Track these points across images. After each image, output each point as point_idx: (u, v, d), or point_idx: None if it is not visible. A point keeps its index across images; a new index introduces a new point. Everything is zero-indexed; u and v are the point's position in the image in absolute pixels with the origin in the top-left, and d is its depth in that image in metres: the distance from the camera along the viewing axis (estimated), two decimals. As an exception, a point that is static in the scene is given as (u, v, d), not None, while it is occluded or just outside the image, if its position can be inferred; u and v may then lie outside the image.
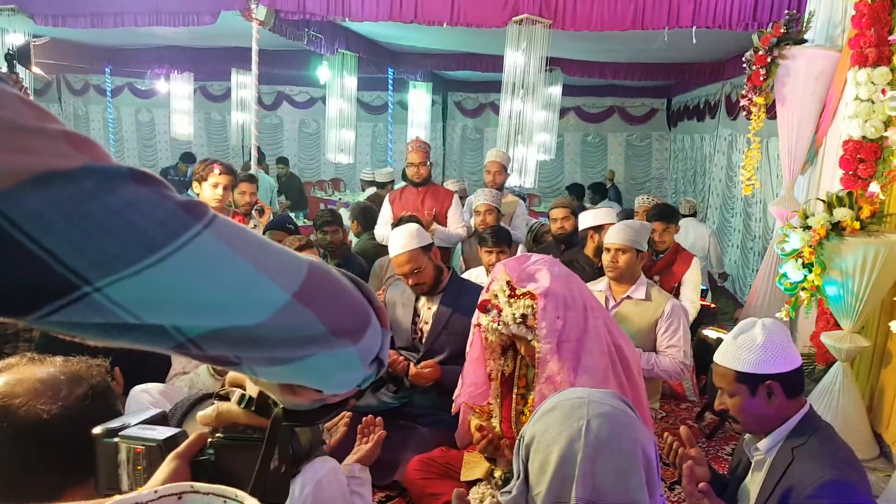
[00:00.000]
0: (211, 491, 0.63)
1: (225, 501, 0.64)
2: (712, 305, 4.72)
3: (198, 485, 0.65)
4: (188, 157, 9.76)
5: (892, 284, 2.70)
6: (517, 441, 1.17)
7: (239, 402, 0.78)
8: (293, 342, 0.51)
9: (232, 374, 2.37)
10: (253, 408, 0.77)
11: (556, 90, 9.34)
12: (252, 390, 0.79)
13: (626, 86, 11.00)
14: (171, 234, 0.43)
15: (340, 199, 10.14)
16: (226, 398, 1.59)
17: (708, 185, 8.98)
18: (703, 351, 3.67)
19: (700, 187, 9.65)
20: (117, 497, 0.64)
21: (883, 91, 2.56)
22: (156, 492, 0.64)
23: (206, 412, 0.79)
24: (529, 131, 6.00)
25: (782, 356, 1.76)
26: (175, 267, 0.43)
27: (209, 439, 0.80)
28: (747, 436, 1.90)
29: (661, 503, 1.10)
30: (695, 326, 4.26)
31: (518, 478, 1.14)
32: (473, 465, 2.59)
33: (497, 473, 2.49)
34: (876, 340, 3.37)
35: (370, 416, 1.97)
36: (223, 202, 3.85)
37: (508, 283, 2.28)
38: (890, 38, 2.57)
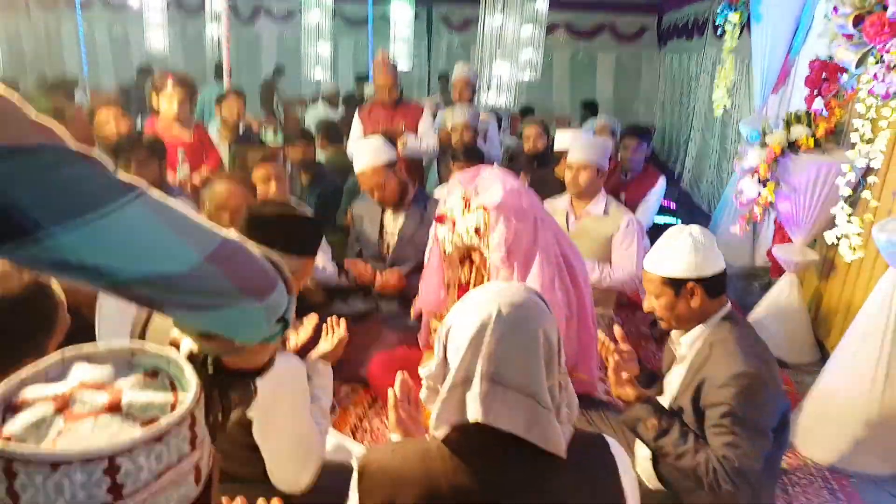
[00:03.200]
0: (158, 352, 0.78)
1: (168, 362, 0.78)
2: (678, 221, 4.85)
3: (148, 345, 0.78)
4: (147, 70, 9.47)
5: (838, 201, 2.82)
6: (440, 328, 1.31)
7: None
8: (204, 294, 0.66)
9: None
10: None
11: (543, 4, 9.09)
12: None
13: (615, 1, 10.70)
14: (111, 199, 0.58)
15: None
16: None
17: (693, 106, 8.94)
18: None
19: (684, 108, 9.61)
20: (71, 348, 0.77)
21: (835, 9, 2.59)
22: (109, 349, 0.78)
23: None
24: (512, 47, 5.91)
25: (704, 262, 1.88)
26: (112, 222, 0.58)
27: None
28: (673, 332, 2.05)
29: (561, 381, 1.24)
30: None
31: (438, 359, 1.28)
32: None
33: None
34: (825, 254, 3.53)
35: (333, 316, 2.10)
36: (181, 116, 3.79)
37: (463, 197, 2.39)
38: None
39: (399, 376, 1.59)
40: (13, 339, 1.24)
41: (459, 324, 1.22)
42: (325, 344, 2.02)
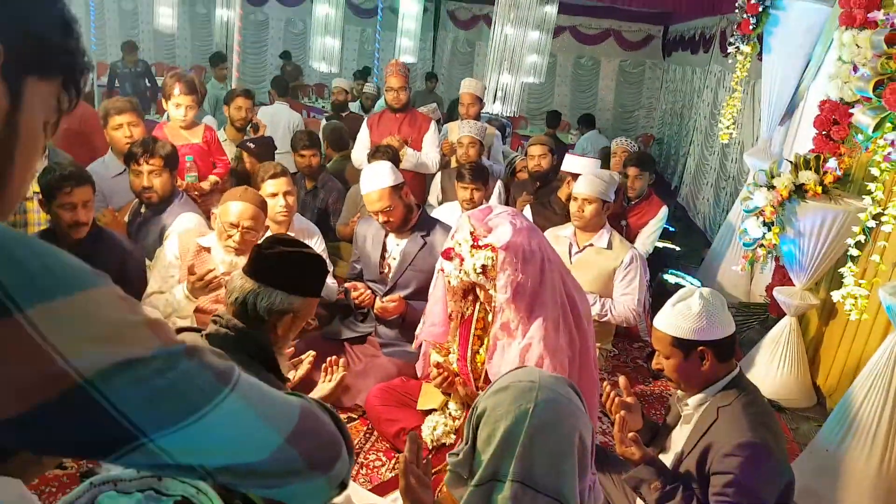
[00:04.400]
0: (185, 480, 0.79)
1: (198, 490, 0.79)
2: (676, 248, 4.87)
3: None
4: (129, 46, 9.32)
5: (845, 249, 2.83)
6: (471, 409, 1.28)
7: None
8: (279, 475, 0.69)
9: (203, 299, 2.46)
10: None
11: (552, 9, 9.04)
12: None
13: (624, 9, 10.67)
14: (207, 399, 0.60)
15: (324, 106, 9.96)
16: (197, 330, 1.68)
17: (693, 120, 8.95)
18: (661, 294, 3.84)
19: (685, 121, 9.62)
20: (99, 477, 0.77)
21: (854, 67, 2.58)
22: (138, 476, 0.78)
23: None
24: (519, 56, 5.87)
25: (716, 325, 1.88)
26: (207, 424, 0.60)
27: None
28: (679, 391, 2.05)
29: (590, 482, 1.23)
30: (657, 269, 4.43)
31: (466, 444, 1.26)
32: (430, 395, 2.76)
33: (451, 405, 2.67)
34: (826, 298, 3.55)
35: (334, 356, 2.08)
36: (190, 122, 3.80)
37: (472, 233, 2.37)
38: (870, 15, 2.56)
39: (409, 438, 1.57)
40: None
41: (492, 415, 1.18)
42: (326, 385, 2.01)
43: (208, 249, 2.77)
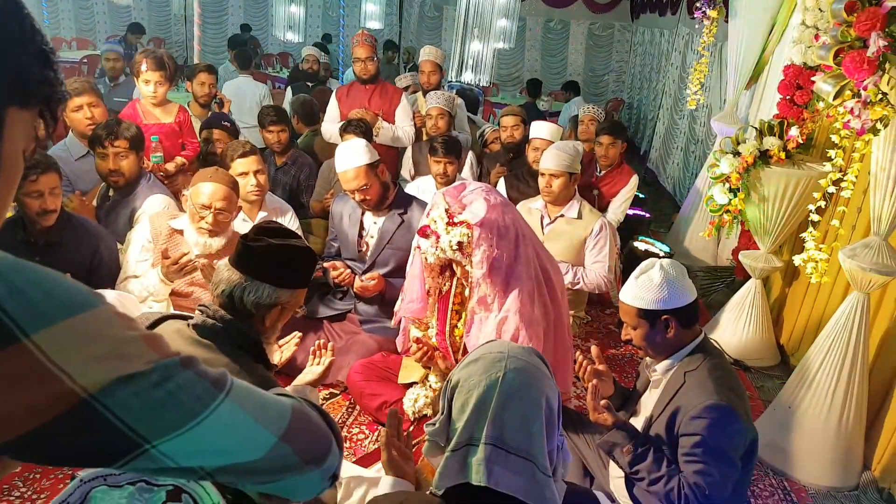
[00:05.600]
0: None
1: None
2: (646, 216, 4.95)
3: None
4: (136, 28, 9.12)
5: (806, 213, 2.92)
6: (445, 382, 1.34)
7: None
8: (276, 470, 0.73)
9: (178, 282, 2.44)
10: None
11: (520, -28, 8.94)
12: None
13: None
14: (205, 405, 0.65)
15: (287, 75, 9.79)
16: (183, 317, 1.68)
17: (662, 84, 8.98)
18: (632, 261, 3.92)
19: (655, 85, 9.65)
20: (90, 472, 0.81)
21: (816, 37, 2.64)
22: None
23: None
24: (489, 22, 5.82)
25: (677, 294, 1.96)
26: (205, 428, 0.64)
27: None
28: (647, 358, 2.14)
29: (558, 443, 1.30)
30: (628, 236, 4.51)
31: (442, 413, 1.32)
32: (411, 369, 2.82)
33: (431, 378, 2.74)
34: (789, 261, 3.66)
35: (322, 341, 2.10)
36: (161, 99, 3.74)
37: (447, 210, 2.40)
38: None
39: (389, 414, 1.63)
40: None
41: (465, 385, 1.25)
42: (314, 369, 2.02)
43: (181, 232, 2.76)
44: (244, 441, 0.69)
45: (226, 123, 4.05)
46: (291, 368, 2.52)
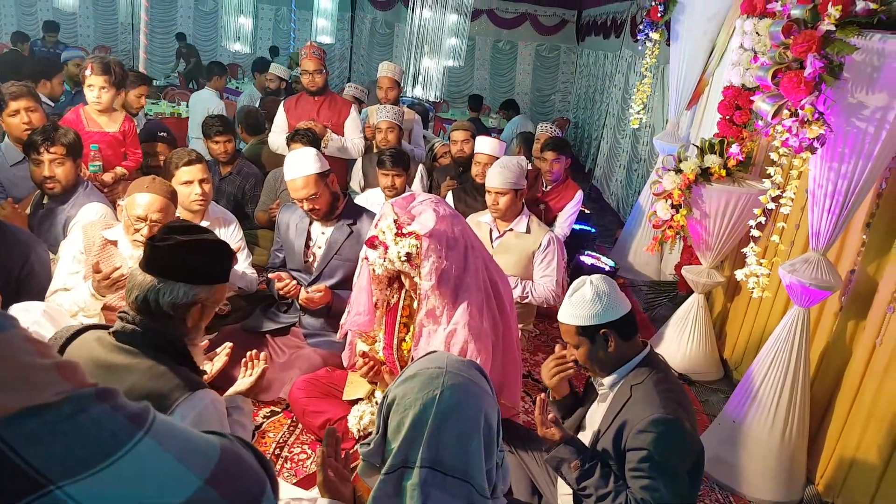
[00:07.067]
0: None
1: None
2: (592, 230, 5.03)
3: None
4: (50, 26, 8.82)
5: (747, 229, 3.00)
6: (382, 399, 1.29)
7: None
8: None
9: (110, 297, 2.31)
10: None
11: (469, -8, 9.07)
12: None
13: (539, -8, 10.86)
14: (120, 444, 0.58)
15: (238, 87, 9.64)
16: (105, 327, 1.59)
17: (606, 104, 9.21)
18: (578, 274, 3.93)
19: (599, 105, 9.89)
20: None
21: (755, 58, 2.73)
22: None
23: None
24: (438, 39, 5.86)
25: (611, 306, 1.97)
26: (120, 469, 0.57)
27: None
28: None
29: (497, 459, 1.26)
30: (574, 250, 4.56)
31: (377, 433, 1.27)
32: (357, 385, 2.74)
33: (378, 394, 2.66)
34: (731, 276, 3.76)
35: (255, 350, 2.03)
36: (106, 105, 3.61)
37: (396, 221, 2.35)
38: (769, 5, 2.70)
39: (327, 433, 1.56)
40: None
41: (401, 403, 1.20)
42: (246, 380, 1.95)
43: (115, 243, 2.63)
44: (165, 484, 0.62)
45: (162, 134, 3.93)
46: (227, 382, 2.41)
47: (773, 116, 2.43)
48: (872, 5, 2.15)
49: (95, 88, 3.50)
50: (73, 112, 3.67)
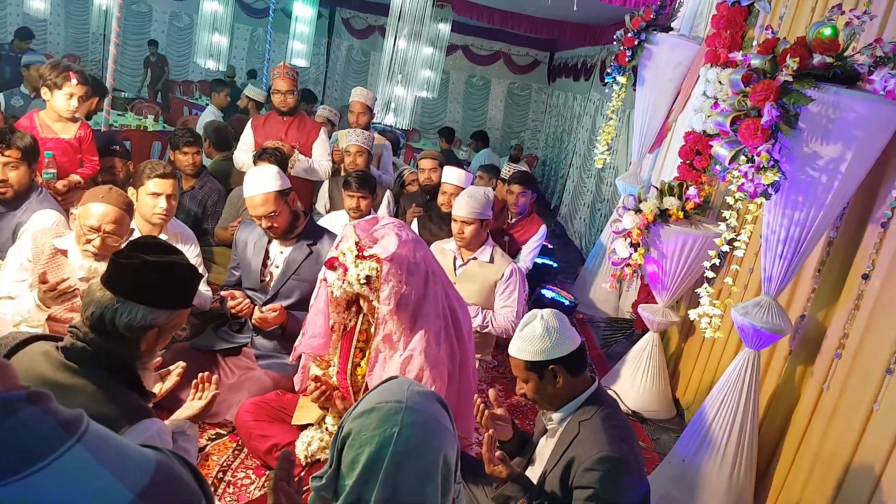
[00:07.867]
0: None
1: None
2: (554, 265, 5.08)
3: None
4: (25, 33, 8.66)
5: (702, 270, 3.06)
6: (337, 431, 1.24)
7: None
8: None
9: (56, 308, 2.22)
10: None
11: (445, 28, 9.24)
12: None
13: (513, 33, 11.11)
14: (51, 449, 0.56)
15: (208, 103, 9.55)
16: (54, 339, 1.53)
17: (573, 145, 9.40)
18: (538, 307, 3.97)
19: (566, 145, 10.09)
20: None
21: (715, 104, 2.82)
22: None
23: None
24: (412, 69, 5.93)
25: (560, 343, 1.97)
26: (49, 476, 0.55)
27: None
28: None
29: (454, 494, 1.22)
30: (536, 284, 4.58)
31: (331, 466, 1.22)
32: (307, 410, 2.68)
33: (329, 420, 2.61)
34: (685, 316, 3.81)
35: (206, 373, 1.96)
36: (78, 114, 3.56)
37: (357, 243, 2.33)
38: (731, 55, 2.81)
39: (281, 456, 1.51)
40: None
41: (357, 438, 1.15)
42: (196, 403, 1.87)
43: (65, 252, 2.55)
44: (94, 495, 0.59)
45: (115, 147, 3.87)
46: (176, 403, 2.33)
47: (731, 161, 2.50)
48: (829, 59, 2.25)
49: (75, 97, 3.46)
50: (27, 118, 3.60)
